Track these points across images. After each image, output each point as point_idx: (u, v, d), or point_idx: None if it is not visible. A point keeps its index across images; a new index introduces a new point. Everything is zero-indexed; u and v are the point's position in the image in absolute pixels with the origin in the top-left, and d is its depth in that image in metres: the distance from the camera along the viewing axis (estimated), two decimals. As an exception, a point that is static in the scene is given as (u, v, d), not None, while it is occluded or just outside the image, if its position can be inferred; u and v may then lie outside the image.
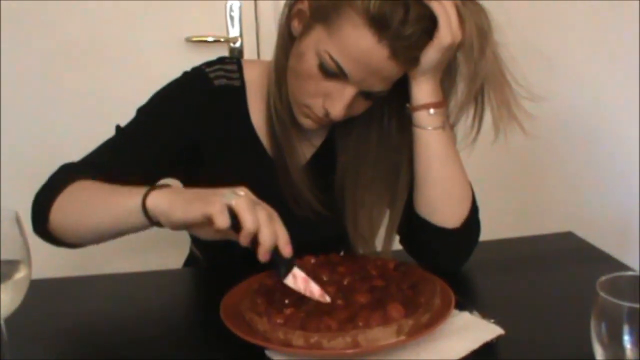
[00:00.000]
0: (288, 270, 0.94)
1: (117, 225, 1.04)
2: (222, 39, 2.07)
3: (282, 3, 1.12)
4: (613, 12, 2.25)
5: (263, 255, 0.90)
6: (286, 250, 0.92)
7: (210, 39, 2.06)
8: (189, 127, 1.18)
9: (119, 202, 1.02)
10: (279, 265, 0.94)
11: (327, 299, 0.93)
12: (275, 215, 0.93)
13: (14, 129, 2.03)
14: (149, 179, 1.08)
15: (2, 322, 0.82)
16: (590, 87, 2.32)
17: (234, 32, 2.07)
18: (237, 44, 2.08)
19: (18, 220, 0.81)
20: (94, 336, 1.03)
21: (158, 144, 1.17)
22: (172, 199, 0.96)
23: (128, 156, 1.16)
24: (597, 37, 2.29)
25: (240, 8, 2.07)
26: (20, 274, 0.81)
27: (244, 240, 0.90)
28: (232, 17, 2.07)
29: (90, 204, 1.07)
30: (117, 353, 0.96)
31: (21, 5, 1.96)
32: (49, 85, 2.04)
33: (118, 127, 1.21)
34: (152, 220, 0.98)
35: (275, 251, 0.92)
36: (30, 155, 2.06)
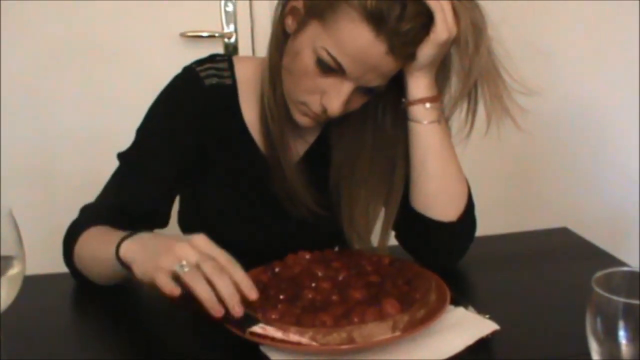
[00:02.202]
0: (254, 323, 0.88)
1: (112, 274, 1.04)
2: (216, 34, 2.06)
3: (276, -1, 1.11)
4: (612, 7, 2.25)
5: (235, 311, 0.86)
6: (252, 294, 0.88)
7: (204, 34, 2.06)
8: (189, 134, 1.19)
9: (103, 253, 1.01)
10: (242, 319, 0.87)
11: (314, 344, 0.86)
12: (228, 261, 0.89)
13: (10, 125, 2.03)
14: (165, 199, 1.18)
15: (-3, 318, 0.82)
16: (587, 83, 2.33)
17: (228, 27, 2.07)
18: (232, 40, 2.07)
19: (12, 217, 0.81)
20: (88, 333, 1.03)
21: (166, 163, 1.18)
22: (137, 254, 0.95)
23: (139, 186, 1.17)
24: (597, 31, 2.29)
25: (235, 3, 2.06)
26: (15, 270, 0.81)
27: (214, 312, 0.85)
28: (227, 13, 2.06)
29: (91, 255, 1.08)
30: (112, 350, 0.96)
31: (19, 5, 1.95)
32: (45, 82, 2.04)
33: (120, 156, 1.20)
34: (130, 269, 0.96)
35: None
36: (27, 152, 2.06)
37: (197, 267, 0.87)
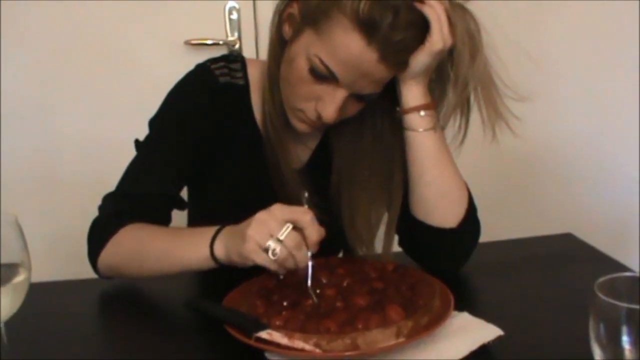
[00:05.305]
0: (261, 328, 0.89)
1: (184, 269, 1.09)
2: (220, 42, 2.07)
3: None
4: (611, 11, 2.25)
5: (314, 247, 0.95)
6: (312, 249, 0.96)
7: (209, 42, 2.06)
8: (203, 126, 1.19)
9: (186, 253, 1.06)
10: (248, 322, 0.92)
11: (318, 350, 0.86)
12: (310, 223, 0.96)
13: (13, 131, 2.03)
14: (179, 186, 1.20)
15: (2, 326, 0.82)
16: (589, 87, 2.32)
17: (232, 35, 2.08)
18: (236, 47, 2.08)
19: (17, 224, 0.82)
20: (93, 339, 1.03)
21: (182, 151, 1.19)
22: (229, 245, 1.00)
23: (159, 172, 1.18)
24: (595, 31, 2.28)
25: (239, 11, 2.07)
26: (20, 277, 0.82)
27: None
28: (230, 20, 2.07)
29: (151, 254, 1.11)
30: (117, 355, 0.97)
31: (21, 7, 1.96)
32: (49, 88, 2.04)
33: (137, 143, 1.22)
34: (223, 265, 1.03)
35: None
36: (30, 158, 2.06)
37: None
